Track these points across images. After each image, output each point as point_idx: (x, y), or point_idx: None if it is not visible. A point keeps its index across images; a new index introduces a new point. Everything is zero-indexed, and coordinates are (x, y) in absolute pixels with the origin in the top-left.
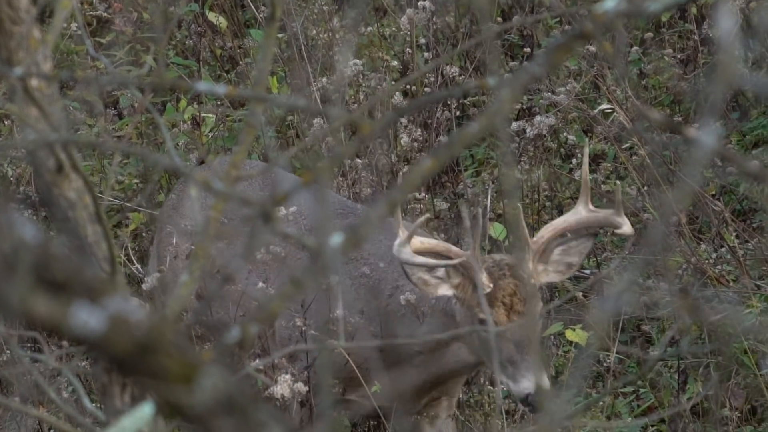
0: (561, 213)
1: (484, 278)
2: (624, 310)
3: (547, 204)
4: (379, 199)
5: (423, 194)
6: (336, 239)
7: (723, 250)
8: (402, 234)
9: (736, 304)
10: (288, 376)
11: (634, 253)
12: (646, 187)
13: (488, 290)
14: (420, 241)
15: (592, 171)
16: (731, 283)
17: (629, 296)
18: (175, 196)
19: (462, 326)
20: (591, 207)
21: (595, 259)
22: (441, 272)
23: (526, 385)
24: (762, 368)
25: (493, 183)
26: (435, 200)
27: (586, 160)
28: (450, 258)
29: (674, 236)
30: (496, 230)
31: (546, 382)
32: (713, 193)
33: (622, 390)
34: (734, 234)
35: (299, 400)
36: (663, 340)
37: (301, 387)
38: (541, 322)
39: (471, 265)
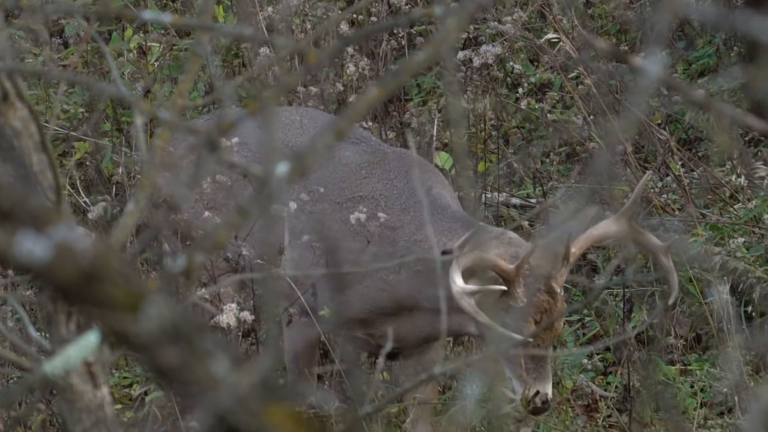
0: (507, 143)
1: (520, 292)
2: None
3: (494, 133)
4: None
5: (369, 123)
6: (282, 168)
7: (668, 179)
8: (456, 279)
9: (681, 233)
10: (234, 305)
11: (580, 181)
12: (591, 117)
13: (521, 304)
14: (468, 259)
15: (537, 100)
16: (676, 212)
17: (575, 224)
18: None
19: (476, 324)
20: (635, 224)
21: (541, 188)
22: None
23: (531, 391)
24: (707, 296)
25: (439, 112)
26: (381, 130)
27: (643, 181)
28: (496, 270)
29: (620, 165)
30: (442, 159)
31: (550, 390)
32: (659, 122)
33: (567, 319)
34: (680, 163)
35: (245, 329)
36: (608, 268)
37: (247, 316)
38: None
39: (513, 278)
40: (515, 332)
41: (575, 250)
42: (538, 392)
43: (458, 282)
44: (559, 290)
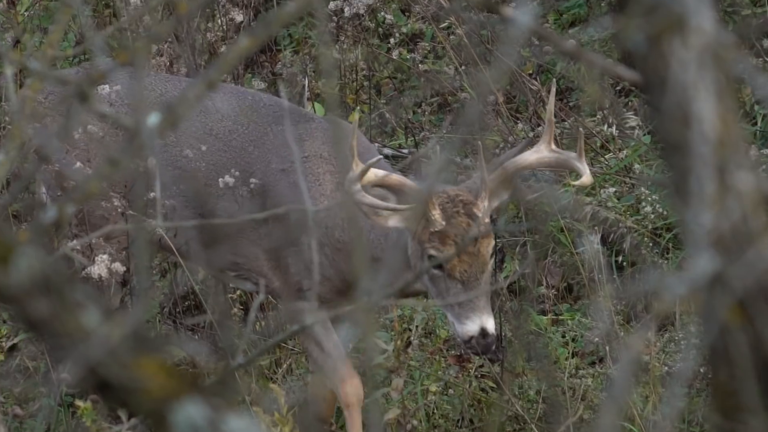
0: (379, 93)
1: (437, 214)
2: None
3: (365, 84)
4: (197, 78)
5: (243, 72)
6: (153, 119)
7: (540, 129)
8: (355, 168)
9: (552, 183)
10: (105, 257)
11: (452, 132)
12: (463, 67)
13: (440, 227)
14: (374, 173)
15: (409, 51)
16: None
17: (446, 175)
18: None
19: (412, 261)
20: (553, 147)
21: (413, 138)
22: (391, 202)
23: (470, 327)
24: (578, 246)
25: (311, 62)
26: (253, 80)
27: (552, 98)
28: (404, 191)
29: (491, 115)
30: (314, 110)
31: (492, 325)
32: (530, 72)
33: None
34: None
35: (118, 280)
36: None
37: (118, 267)
38: (491, 262)
39: (424, 201)
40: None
41: (494, 176)
42: (472, 337)
43: (354, 170)
44: (479, 214)
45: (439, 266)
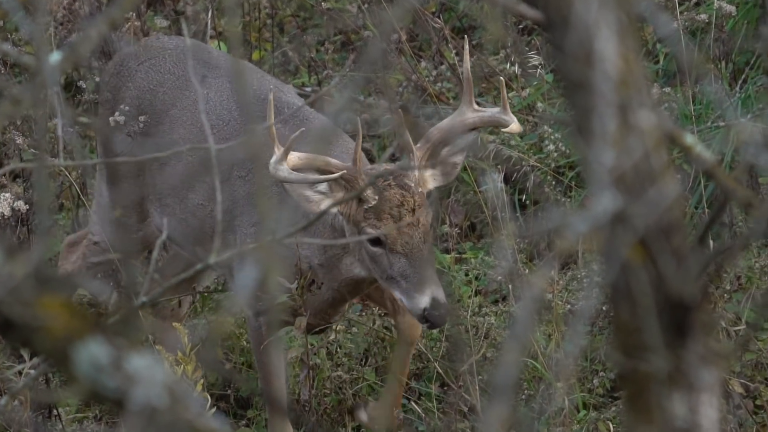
0: (282, 31)
1: (367, 192)
2: (344, 127)
3: (268, 22)
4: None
5: (145, 11)
6: (54, 57)
7: (443, 67)
8: (277, 150)
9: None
10: (8, 195)
11: (354, 70)
12: (366, 5)
13: (373, 203)
14: (297, 157)
15: None
16: (451, 101)
17: (349, 114)
18: (110, 95)
19: (351, 245)
20: (475, 106)
21: (316, 76)
22: (323, 187)
23: (421, 300)
24: (481, 185)
25: (213, 0)
26: (155, 18)
27: (467, 57)
28: (330, 172)
29: (394, 53)
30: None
31: (441, 294)
32: (433, 10)
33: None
34: (454, 51)
35: (19, 218)
36: (383, 156)
37: (21, 206)
38: (431, 232)
39: (353, 177)
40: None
41: (422, 144)
42: (425, 309)
43: (277, 152)
44: (412, 184)
45: (379, 243)
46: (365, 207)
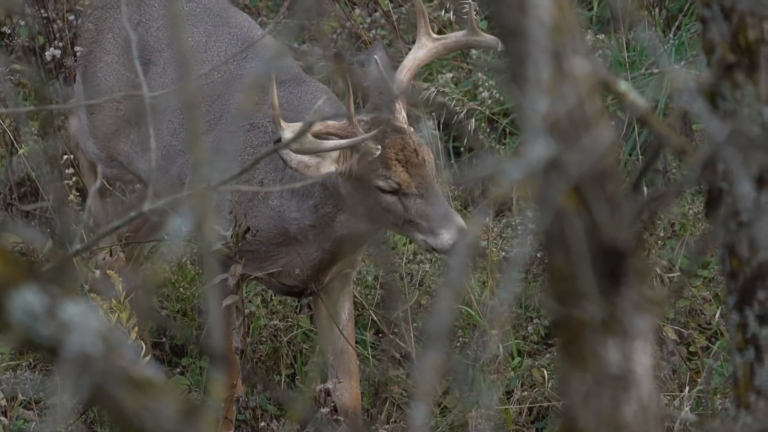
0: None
1: (370, 147)
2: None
3: None
4: None
5: None
6: None
7: (377, 14)
8: (284, 126)
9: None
10: None
11: (289, 17)
12: None
13: (378, 153)
14: (292, 131)
15: None
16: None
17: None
18: (92, 26)
19: (349, 200)
20: (434, 35)
21: None
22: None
23: (447, 235)
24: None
25: None
26: None
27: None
28: (329, 134)
29: (328, 0)
30: None
31: (463, 223)
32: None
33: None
34: None
35: None
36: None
37: None
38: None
39: (351, 134)
40: (391, 182)
41: (398, 85)
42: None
43: (287, 133)
44: (405, 126)
45: (391, 192)
46: (368, 159)
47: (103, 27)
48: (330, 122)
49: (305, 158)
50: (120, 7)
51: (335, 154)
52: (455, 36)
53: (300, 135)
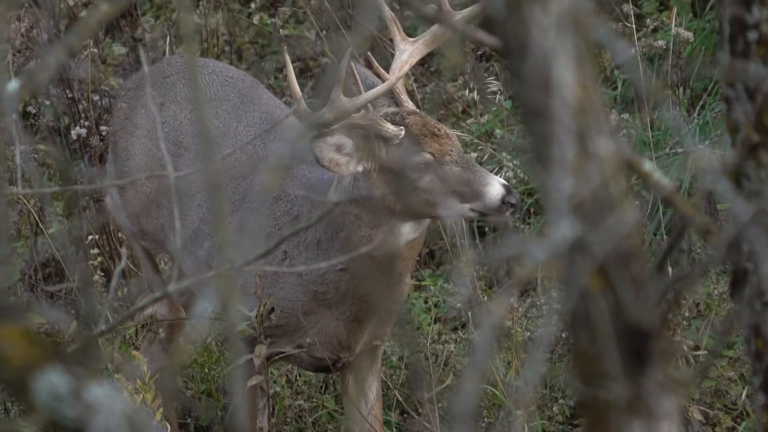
0: (240, 58)
1: (390, 128)
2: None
3: (226, 49)
4: (55, 44)
5: (103, 38)
6: (12, 85)
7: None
8: (310, 123)
9: None
10: None
11: (312, 96)
12: (324, 32)
13: (402, 134)
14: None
15: (270, 15)
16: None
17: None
18: (125, 104)
19: (385, 199)
20: (409, 39)
21: None
22: (348, 149)
23: (495, 191)
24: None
25: (171, 27)
26: (114, 45)
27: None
28: (358, 128)
29: (352, 80)
30: None
31: (503, 180)
32: (391, 37)
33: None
34: (412, 78)
35: None
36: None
37: None
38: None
39: (372, 120)
40: (421, 163)
41: (396, 80)
42: (503, 197)
43: (312, 129)
44: (410, 104)
45: (426, 169)
46: (395, 143)
47: (136, 105)
48: (356, 115)
49: (336, 156)
50: (155, 85)
51: (363, 153)
52: (432, 30)
53: (326, 132)
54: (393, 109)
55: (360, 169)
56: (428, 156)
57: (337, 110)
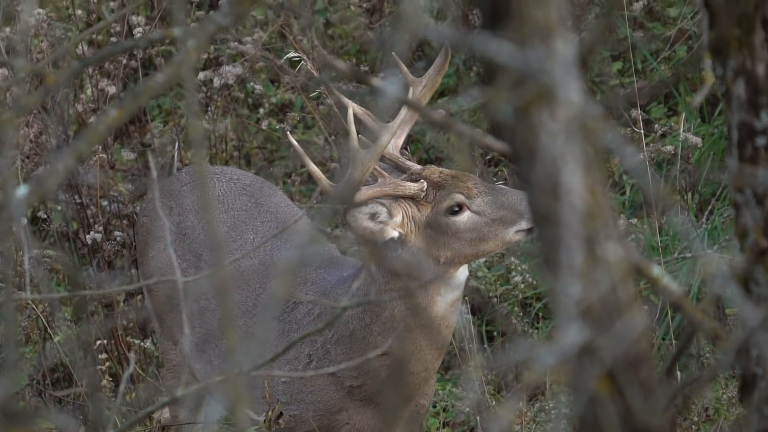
0: (249, 163)
1: (412, 185)
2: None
3: (235, 154)
4: (63, 150)
5: (112, 143)
6: (21, 190)
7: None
8: (353, 191)
9: None
10: None
11: (321, 202)
12: (333, 137)
13: (425, 186)
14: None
15: (279, 121)
16: None
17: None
18: (146, 218)
19: (415, 262)
20: (381, 122)
21: None
22: (383, 216)
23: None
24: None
25: (180, 133)
26: (122, 150)
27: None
28: (390, 196)
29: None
30: None
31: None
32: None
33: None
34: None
35: None
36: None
37: None
38: None
39: (392, 184)
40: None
41: (392, 149)
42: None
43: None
44: (411, 160)
45: (458, 212)
46: (421, 196)
47: (155, 217)
48: (375, 186)
49: (371, 224)
50: (173, 197)
51: (398, 219)
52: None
53: (359, 202)
54: (404, 174)
55: (395, 234)
56: (458, 196)
57: (361, 164)
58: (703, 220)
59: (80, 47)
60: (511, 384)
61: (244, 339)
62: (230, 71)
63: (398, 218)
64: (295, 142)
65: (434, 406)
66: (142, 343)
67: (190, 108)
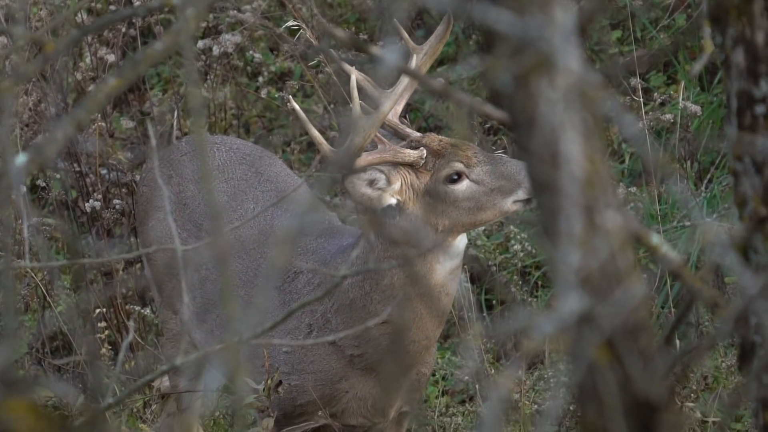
0: (248, 131)
1: (411, 152)
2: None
3: (234, 122)
4: (62, 118)
5: (111, 111)
6: (20, 158)
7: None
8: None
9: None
10: None
11: (320, 170)
12: (332, 105)
13: (424, 154)
14: (364, 159)
15: (278, 89)
16: None
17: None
18: (146, 188)
19: (414, 230)
20: (381, 89)
21: None
22: (381, 183)
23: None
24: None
25: (179, 101)
26: (121, 119)
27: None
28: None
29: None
30: None
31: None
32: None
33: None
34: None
35: None
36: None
37: None
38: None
39: (391, 151)
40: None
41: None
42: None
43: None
44: (411, 127)
45: (457, 180)
46: (421, 164)
47: (154, 187)
48: (375, 153)
49: (369, 191)
50: (173, 166)
51: (396, 186)
52: (429, 41)
53: (359, 168)
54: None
55: (393, 201)
56: (458, 164)
57: (362, 131)
58: (702, 188)
59: (79, 15)
60: (510, 352)
61: (244, 308)
62: (229, 39)
63: (396, 185)
64: (297, 107)
65: (433, 375)
66: (141, 310)
67: (189, 76)
